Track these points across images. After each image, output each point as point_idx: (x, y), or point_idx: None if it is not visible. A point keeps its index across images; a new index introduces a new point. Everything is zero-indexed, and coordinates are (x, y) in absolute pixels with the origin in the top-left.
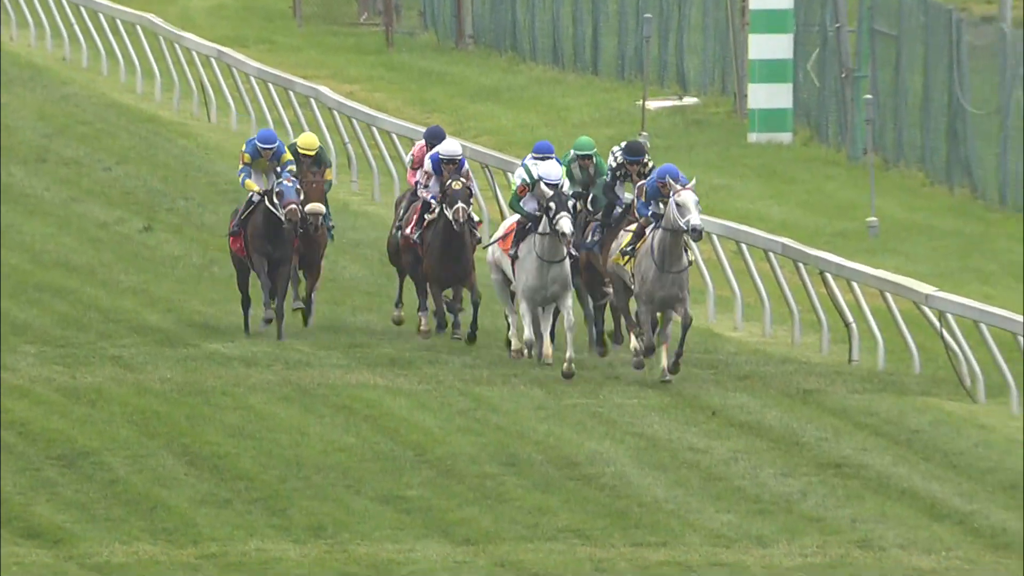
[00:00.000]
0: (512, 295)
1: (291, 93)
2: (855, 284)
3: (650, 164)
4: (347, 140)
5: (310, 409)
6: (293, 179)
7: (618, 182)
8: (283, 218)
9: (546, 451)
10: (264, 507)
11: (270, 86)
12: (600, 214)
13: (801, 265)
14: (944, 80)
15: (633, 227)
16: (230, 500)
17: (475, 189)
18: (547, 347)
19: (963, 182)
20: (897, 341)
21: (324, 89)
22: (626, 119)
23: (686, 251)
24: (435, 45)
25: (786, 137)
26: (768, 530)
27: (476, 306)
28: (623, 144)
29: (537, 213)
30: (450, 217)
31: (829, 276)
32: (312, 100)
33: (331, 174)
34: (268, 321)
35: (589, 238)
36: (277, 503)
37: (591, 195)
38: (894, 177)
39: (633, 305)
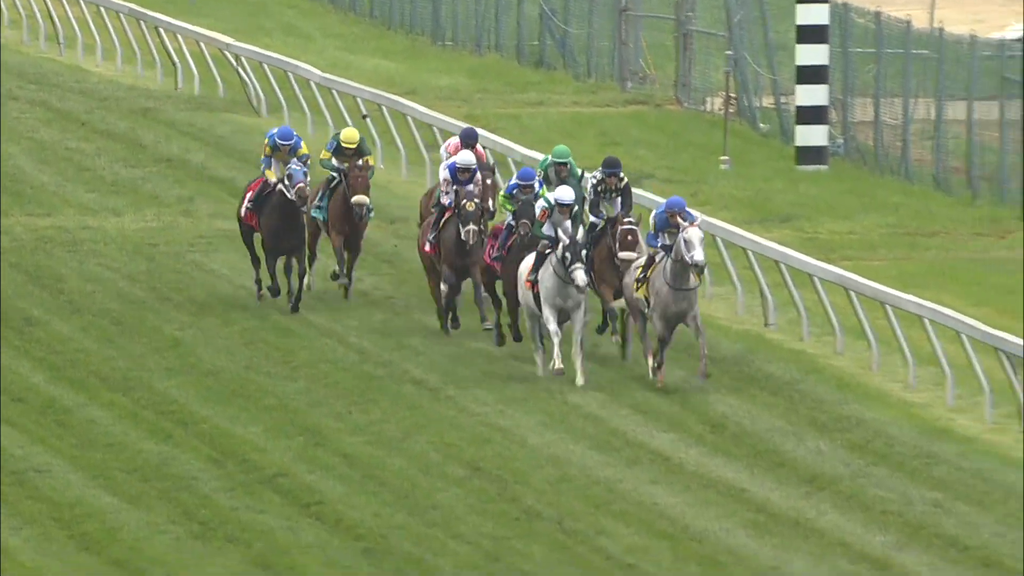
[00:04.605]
0: (539, 328)
1: None
2: (179, 36)
3: (624, 178)
4: None
5: None
6: (303, 165)
7: (600, 199)
8: (293, 196)
9: None
10: None
11: None
12: (587, 231)
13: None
14: None
15: (642, 260)
16: None
17: (496, 180)
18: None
19: None
20: (207, 74)
21: None
22: None
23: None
24: None
25: None
26: (120, 204)
27: (480, 303)
28: (603, 163)
29: (553, 236)
30: (462, 235)
31: (144, 23)
32: None
33: (373, 160)
34: (295, 308)
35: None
36: None
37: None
38: None
39: (650, 328)
